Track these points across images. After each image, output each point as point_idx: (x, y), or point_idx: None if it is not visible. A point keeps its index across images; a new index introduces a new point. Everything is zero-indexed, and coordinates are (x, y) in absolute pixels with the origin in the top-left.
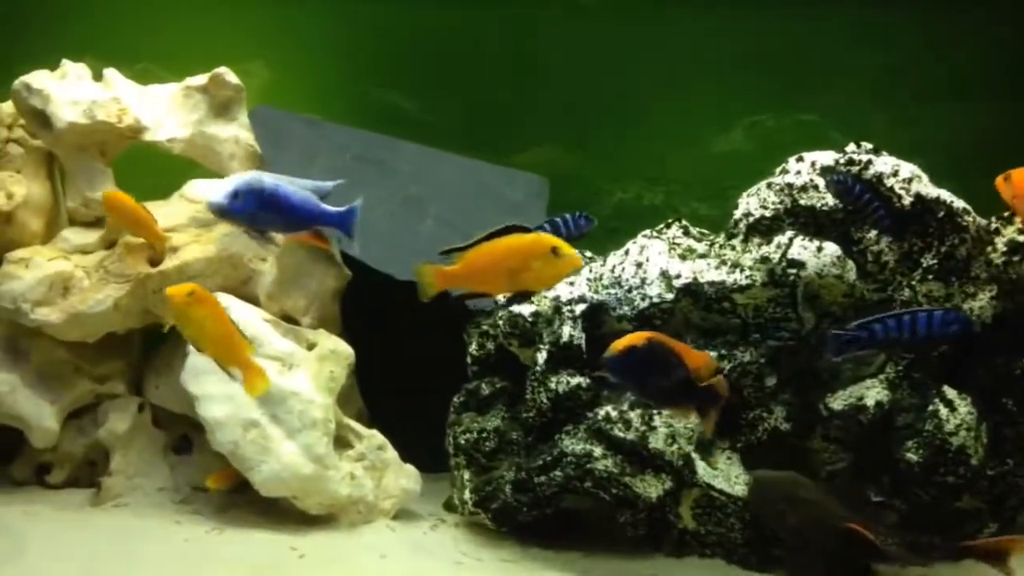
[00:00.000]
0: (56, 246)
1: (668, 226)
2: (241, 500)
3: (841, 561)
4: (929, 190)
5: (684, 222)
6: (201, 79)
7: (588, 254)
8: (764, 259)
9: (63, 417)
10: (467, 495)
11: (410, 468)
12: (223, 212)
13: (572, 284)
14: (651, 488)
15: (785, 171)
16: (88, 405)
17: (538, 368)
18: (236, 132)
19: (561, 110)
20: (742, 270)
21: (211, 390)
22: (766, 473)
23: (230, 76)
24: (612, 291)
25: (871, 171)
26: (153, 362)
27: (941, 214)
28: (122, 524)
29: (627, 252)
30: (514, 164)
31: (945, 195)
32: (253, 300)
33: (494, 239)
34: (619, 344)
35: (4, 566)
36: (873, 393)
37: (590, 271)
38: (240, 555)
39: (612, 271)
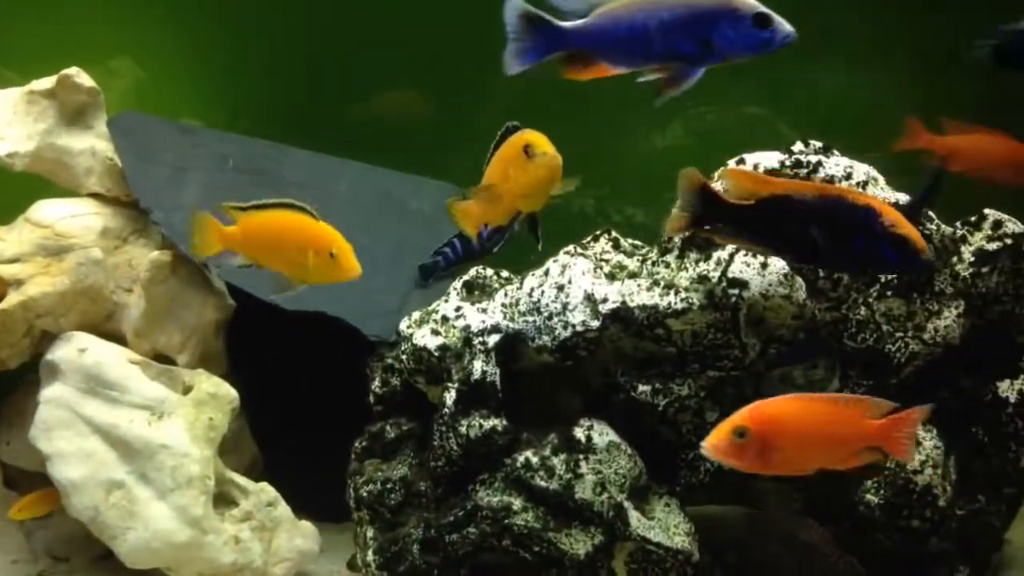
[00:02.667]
0: None
1: (595, 239)
2: (110, 568)
3: None
4: (886, 195)
5: (614, 233)
6: (48, 82)
7: (504, 275)
8: (702, 278)
9: None
10: (370, 556)
11: (306, 525)
12: None
13: (485, 311)
14: (579, 544)
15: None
16: None
17: (446, 410)
18: (93, 143)
19: (474, 108)
20: (677, 292)
21: (65, 447)
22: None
23: (82, 78)
24: (530, 319)
25: (821, 174)
26: (3, 413)
27: None
28: None
29: (547, 272)
30: (423, 168)
31: (904, 199)
32: (118, 338)
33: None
34: None
35: None
36: None
37: (505, 295)
38: None
39: (530, 295)
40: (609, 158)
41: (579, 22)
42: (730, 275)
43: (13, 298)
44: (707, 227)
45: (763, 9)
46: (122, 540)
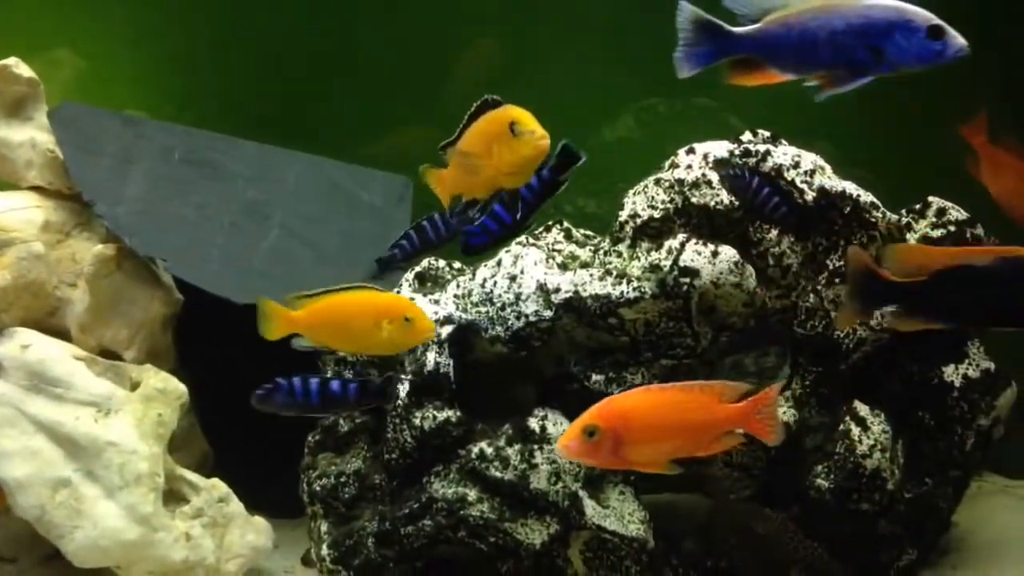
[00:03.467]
0: None
1: (547, 229)
2: (59, 568)
3: None
4: (834, 183)
5: (566, 224)
6: None
7: (456, 266)
8: (654, 267)
9: None
10: (325, 550)
11: (259, 521)
12: None
13: (437, 302)
14: (534, 534)
15: (675, 165)
16: None
17: (400, 402)
18: (33, 135)
19: (425, 95)
20: (629, 281)
21: (8, 445)
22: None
23: (21, 68)
24: (483, 309)
25: (769, 163)
26: None
27: (847, 210)
28: None
29: (499, 263)
30: (373, 159)
31: (851, 188)
32: (63, 333)
33: None
34: None
35: None
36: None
37: (458, 286)
38: None
39: (483, 286)
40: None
41: (751, 28)
42: (681, 263)
43: None
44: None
45: (937, 21)
46: (70, 539)
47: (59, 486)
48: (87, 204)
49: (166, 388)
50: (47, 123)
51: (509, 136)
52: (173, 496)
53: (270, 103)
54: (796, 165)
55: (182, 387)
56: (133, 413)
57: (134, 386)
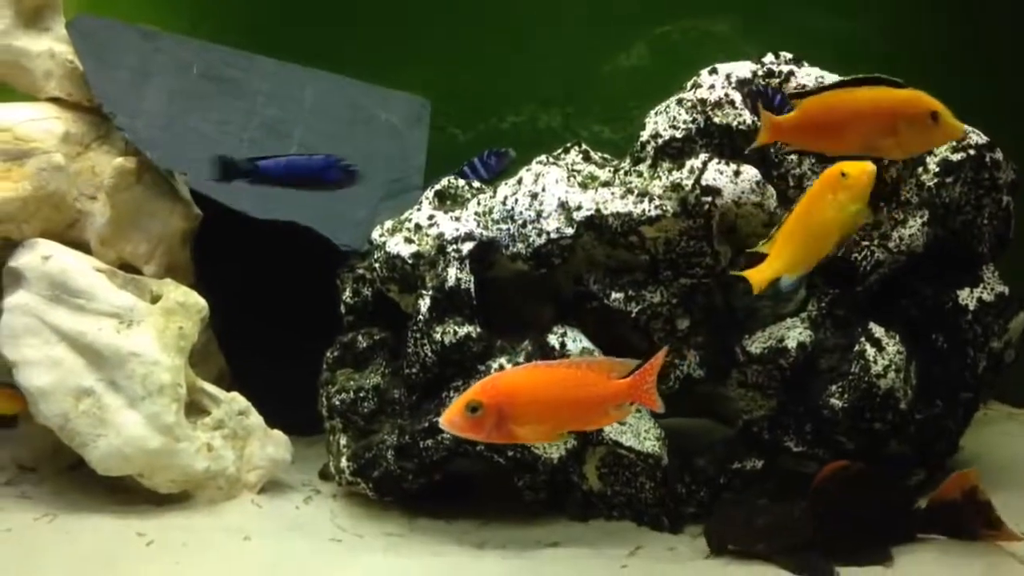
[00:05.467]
0: None
1: (566, 151)
2: (79, 479)
3: None
4: None
5: (584, 146)
6: None
7: (476, 185)
8: (675, 186)
9: None
10: (344, 463)
11: (278, 434)
12: None
13: (458, 219)
14: (552, 449)
15: (697, 85)
16: None
17: (421, 317)
18: (51, 45)
19: (441, 21)
20: (651, 199)
21: (32, 354)
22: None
23: None
24: (504, 226)
25: (793, 83)
26: None
27: None
28: None
29: (520, 181)
30: (389, 83)
31: None
32: (83, 246)
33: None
34: None
35: None
36: (795, 334)
37: (479, 204)
38: (75, 546)
39: (504, 203)
40: (575, 77)
41: None
42: (703, 183)
43: None
44: None
45: None
46: (93, 447)
47: (82, 395)
48: (107, 116)
49: (187, 302)
50: (65, 34)
51: (928, 123)
52: (194, 408)
53: (286, 21)
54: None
55: (202, 301)
56: (155, 325)
57: (154, 299)
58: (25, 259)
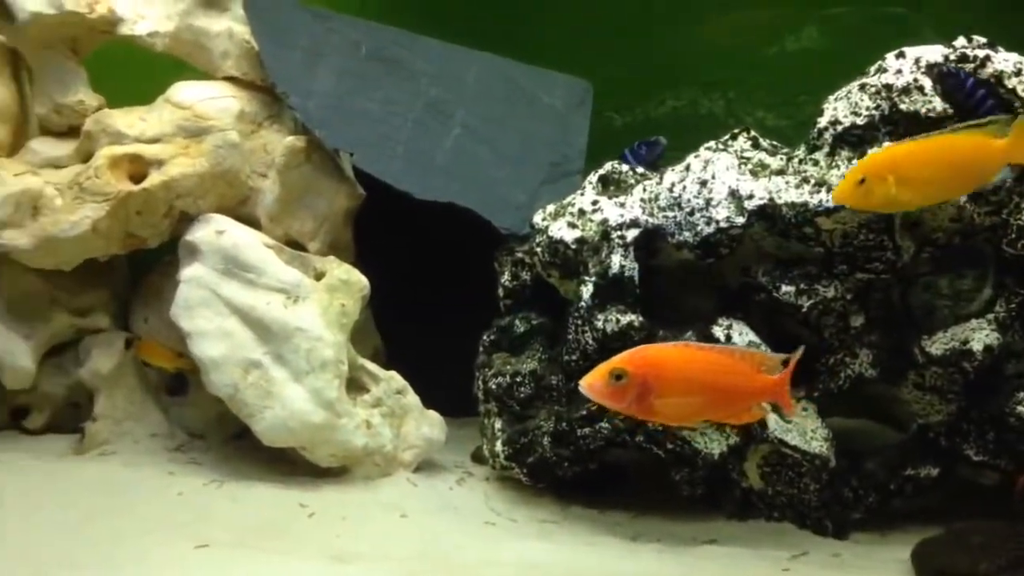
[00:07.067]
0: (23, 159)
1: (734, 137)
2: (243, 448)
3: None
4: None
5: (752, 132)
6: None
7: (640, 170)
8: None
9: (40, 355)
10: (499, 447)
11: (433, 415)
12: None
13: (623, 205)
14: (713, 444)
15: (882, 70)
16: (69, 341)
17: (583, 304)
18: (229, 25)
19: (601, 2)
20: (829, 189)
21: (205, 325)
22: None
23: None
24: (670, 214)
25: (989, 69)
26: (141, 292)
27: None
28: (109, 475)
29: (688, 168)
30: (548, 64)
31: None
32: (253, 222)
33: None
34: None
35: None
36: (980, 336)
37: (644, 190)
38: (242, 512)
39: (671, 190)
40: (738, 60)
41: None
42: None
43: (155, 178)
44: None
45: None
46: (260, 418)
47: (251, 367)
48: (279, 96)
49: (349, 279)
50: (242, 14)
51: None
52: (354, 384)
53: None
54: (1019, 72)
55: (364, 279)
56: (319, 302)
57: (318, 276)
58: (200, 233)
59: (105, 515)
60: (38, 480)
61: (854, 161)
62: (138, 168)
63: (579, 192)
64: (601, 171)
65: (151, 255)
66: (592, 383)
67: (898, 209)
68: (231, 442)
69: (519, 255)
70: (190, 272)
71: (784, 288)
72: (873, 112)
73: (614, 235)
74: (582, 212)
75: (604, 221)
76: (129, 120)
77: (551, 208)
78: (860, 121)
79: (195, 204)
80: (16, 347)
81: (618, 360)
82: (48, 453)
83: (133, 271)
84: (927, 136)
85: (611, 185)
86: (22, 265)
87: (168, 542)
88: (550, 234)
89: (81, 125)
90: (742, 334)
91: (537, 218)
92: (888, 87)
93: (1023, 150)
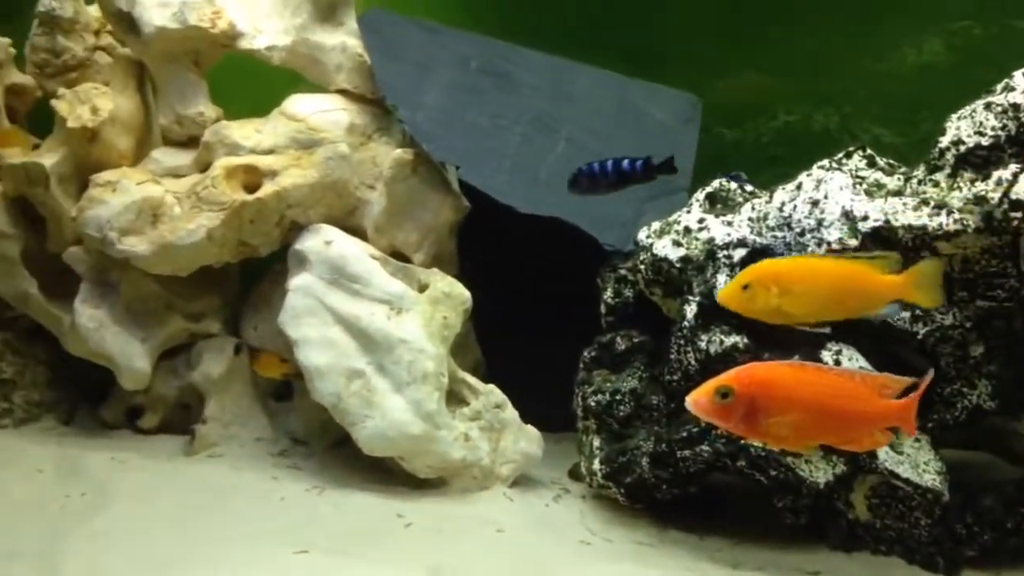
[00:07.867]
0: (146, 168)
1: (848, 155)
2: (343, 456)
3: None
4: None
5: (868, 151)
6: None
7: (749, 188)
8: (979, 199)
9: (155, 357)
10: (596, 465)
11: (531, 430)
12: None
13: (730, 224)
14: (819, 472)
15: (1010, 88)
16: (182, 345)
17: (686, 323)
18: (343, 39)
19: (713, 13)
20: (949, 212)
21: (311, 334)
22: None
23: None
24: (779, 234)
25: None
26: (251, 299)
27: None
28: (215, 477)
29: (799, 187)
30: (659, 80)
31: None
32: (359, 233)
33: None
34: None
35: (87, 518)
36: None
37: (752, 209)
38: (341, 519)
39: (780, 209)
40: (855, 73)
41: None
42: (1013, 196)
43: (268, 188)
44: None
45: None
46: (361, 427)
47: (354, 376)
48: (389, 109)
49: (452, 292)
50: (356, 28)
51: None
52: (454, 397)
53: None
54: None
55: (466, 292)
56: (422, 314)
57: (421, 288)
58: (309, 243)
59: (211, 516)
60: (150, 480)
61: (978, 183)
62: (252, 178)
63: (685, 209)
64: (708, 188)
65: (261, 264)
66: (697, 399)
67: (782, 321)
68: (332, 449)
69: (622, 272)
70: (298, 281)
71: (900, 314)
72: (999, 132)
73: (720, 254)
74: (688, 230)
75: (710, 240)
76: (245, 132)
77: (656, 225)
78: (985, 142)
79: (305, 214)
80: (133, 349)
81: (725, 377)
82: (160, 453)
83: (244, 279)
84: (819, 256)
85: (718, 203)
86: (140, 270)
87: (270, 546)
88: (654, 252)
89: (200, 136)
90: (852, 359)
91: (641, 235)
92: (1016, 107)
93: (913, 289)
